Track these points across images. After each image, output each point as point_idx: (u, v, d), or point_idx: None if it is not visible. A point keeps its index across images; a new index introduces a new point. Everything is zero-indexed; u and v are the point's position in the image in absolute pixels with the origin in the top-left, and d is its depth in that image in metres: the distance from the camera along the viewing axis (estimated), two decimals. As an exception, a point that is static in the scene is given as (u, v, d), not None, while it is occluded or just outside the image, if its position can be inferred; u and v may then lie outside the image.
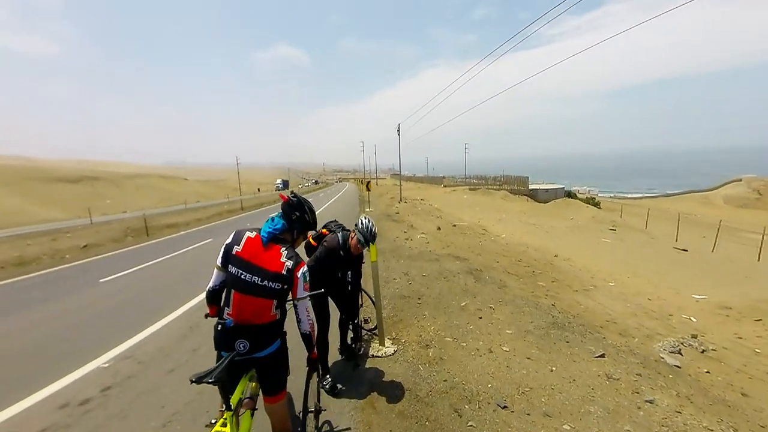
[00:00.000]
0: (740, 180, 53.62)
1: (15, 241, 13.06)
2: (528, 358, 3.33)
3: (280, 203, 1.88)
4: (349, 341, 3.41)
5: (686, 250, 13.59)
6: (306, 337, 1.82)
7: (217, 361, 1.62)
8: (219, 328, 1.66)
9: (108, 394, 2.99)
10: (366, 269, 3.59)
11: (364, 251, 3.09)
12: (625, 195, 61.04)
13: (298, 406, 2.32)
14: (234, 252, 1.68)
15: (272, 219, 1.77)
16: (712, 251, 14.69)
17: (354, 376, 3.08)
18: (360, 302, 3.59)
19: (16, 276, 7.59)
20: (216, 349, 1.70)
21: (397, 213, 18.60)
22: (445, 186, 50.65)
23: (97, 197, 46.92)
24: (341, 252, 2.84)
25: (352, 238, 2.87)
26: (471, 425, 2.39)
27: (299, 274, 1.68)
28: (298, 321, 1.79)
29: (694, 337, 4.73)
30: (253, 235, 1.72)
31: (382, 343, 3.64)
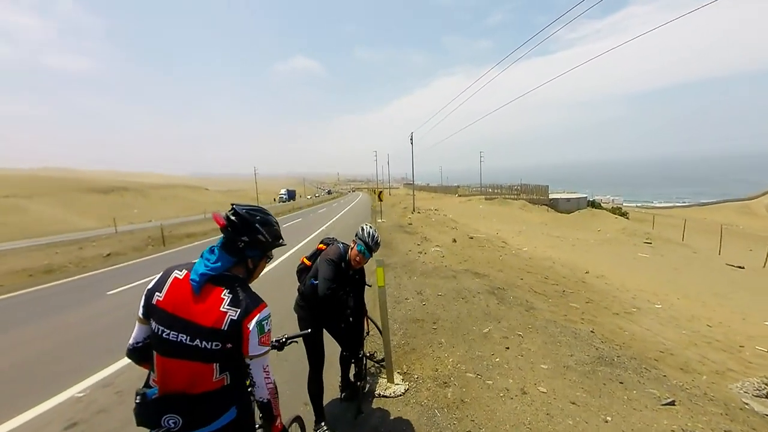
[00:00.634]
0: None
1: (47, 249, 13.41)
2: (573, 404, 2.68)
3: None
4: (351, 377, 2.88)
5: (742, 267, 12.18)
6: (264, 407, 1.25)
7: None
8: (138, 400, 1.18)
9: (72, 435, 2.57)
10: (370, 292, 3.07)
11: (365, 270, 2.62)
12: (653, 204, 57.90)
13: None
14: (155, 301, 1.19)
15: (211, 250, 1.23)
16: (764, 266, 13.17)
17: (355, 424, 2.53)
18: (366, 330, 3.08)
19: (42, 284, 7.91)
20: (138, 426, 1.21)
21: (410, 224, 18.08)
22: (459, 195, 49.57)
23: (125, 207, 48.71)
24: (342, 264, 2.36)
25: (352, 248, 2.43)
26: (507, 504, 1.79)
27: (252, 324, 1.16)
28: (252, 385, 1.24)
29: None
30: (182, 275, 1.20)
31: (390, 380, 3.08)
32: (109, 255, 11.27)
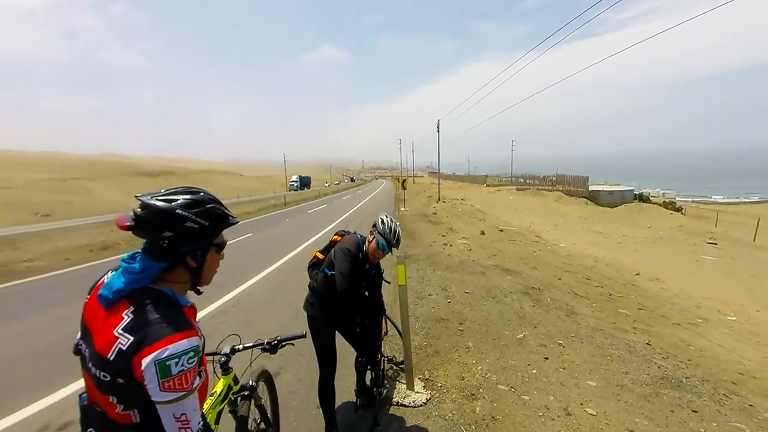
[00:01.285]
0: None
1: (104, 227, 14.62)
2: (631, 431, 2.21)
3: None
4: (368, 383, 2.60)
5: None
6: None
7: None
8: (79, 401, 0.96)
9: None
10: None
11: (381, 265, 2.36)
12: (711, 199, 51.87)
13: None
14: (85, 300, 0.94)
15: (132, 257, 0.91)
16: None
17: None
18: (384, 330, 2.78)
19: (99, 259, 8.64)
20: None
21: (435, 214, 17.42)
22: (488, 185, 47.55)
23: (170, 189, 55.73)
24: (360, 256, 2.10)
25: (369, 241, 2.17)
26: None
27: (146, 363, 0.79)
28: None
29: None
30: (108, 276, 0.91)
31: (410, 387, 2.76)
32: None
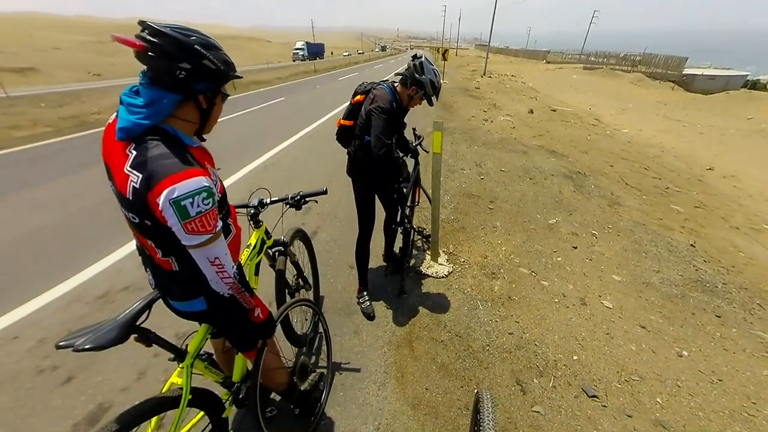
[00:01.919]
0: None
1: None
2: (642, 327, 2.28)
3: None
4: (397, 251, 2.72)
5: None
6: (226, 302, 1.00)
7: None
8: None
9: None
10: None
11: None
12: None
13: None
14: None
15: (134, 91, 0.84)
16: None
17: (395, 301, 2.49)
18: (416, 200, 2.71)
19: None
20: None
21: (477, 88, 15.35)
22: (547, 62, 39.57)
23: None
24: (394, 112, 1.91)
25: (409, 95, 1.99)
26: (536, 411, 1.70)
27: (161, 201, 0.78)
28: (203, 277, 0.94)
29: None
30: (113, 117, 0.87)
31: (434, 258, 2.89)
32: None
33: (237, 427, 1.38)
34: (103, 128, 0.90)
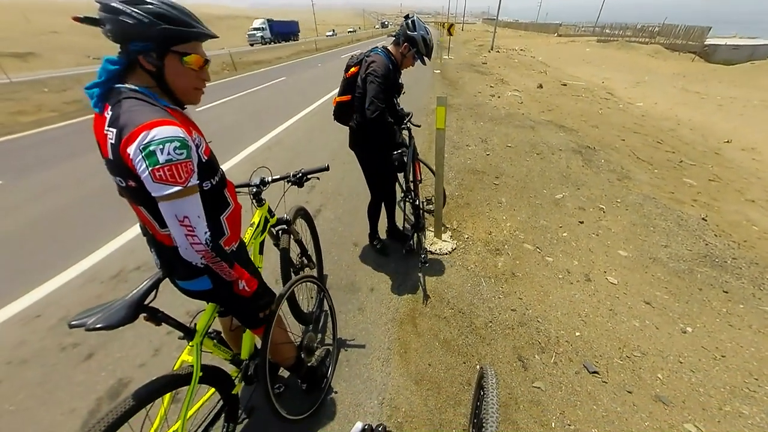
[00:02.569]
0: None
1: None
2: (647, 303, 2.28)
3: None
4: (408, 225, 2.84)
5: None
6: (201, 270, 1.01)
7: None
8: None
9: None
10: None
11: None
12: None
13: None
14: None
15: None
16: None
17: (401, 273, 2.52)
18: (418, 176, 2.69)
19: None
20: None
21: (484, 64, 14.77)
22: (559, 35, 37.54)
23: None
24: (390, 75, 1.97)
25: (402, 53, 2.03)
26: (537, 387, 1.74)
27: (132, 150, 0.78)
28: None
29: None
30: None
31: (437, 235, 2.89)
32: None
33: (246, 403, 1.45)
34: None
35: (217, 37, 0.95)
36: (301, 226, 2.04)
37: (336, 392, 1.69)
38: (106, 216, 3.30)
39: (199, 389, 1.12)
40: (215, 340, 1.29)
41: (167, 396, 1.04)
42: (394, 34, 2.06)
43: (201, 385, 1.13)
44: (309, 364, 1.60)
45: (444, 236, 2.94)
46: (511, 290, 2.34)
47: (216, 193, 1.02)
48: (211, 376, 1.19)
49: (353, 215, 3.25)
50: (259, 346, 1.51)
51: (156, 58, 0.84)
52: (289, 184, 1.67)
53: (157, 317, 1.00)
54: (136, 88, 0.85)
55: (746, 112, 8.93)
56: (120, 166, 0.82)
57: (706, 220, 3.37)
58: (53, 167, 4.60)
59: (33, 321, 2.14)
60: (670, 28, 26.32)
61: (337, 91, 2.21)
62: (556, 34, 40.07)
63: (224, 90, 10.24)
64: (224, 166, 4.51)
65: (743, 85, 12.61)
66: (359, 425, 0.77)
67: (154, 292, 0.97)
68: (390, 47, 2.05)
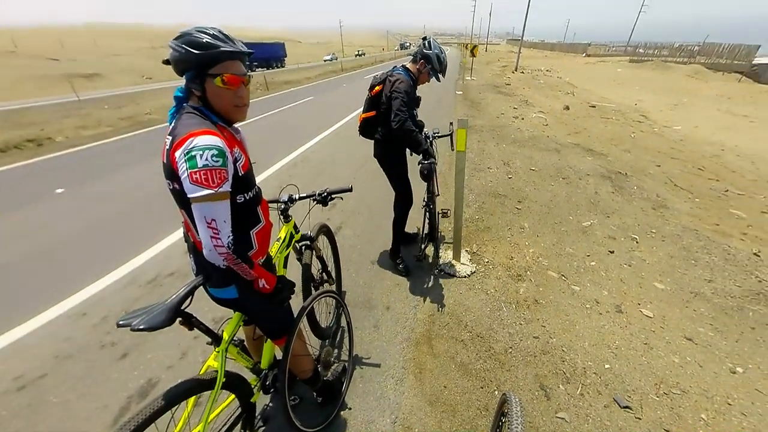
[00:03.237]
0: None
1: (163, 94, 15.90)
2: (689, 339, 2.11)
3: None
4: (424, 235, 2.85)
5: None
6: (256, 292, 1.11)
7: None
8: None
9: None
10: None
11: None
12: None
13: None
14: None
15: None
16: None
17: (418, 293, 2.51)
18: (436, 190, 2.73)
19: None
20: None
21: (508, 85, 14.82)
22: (588, 55, 37.21)
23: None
24: (412, 88, 2.21)
25: (419, 70, 2.26)
26: (561, 417, 1.64)
27: (179, 153, 0.88)
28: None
29: None
30: None
31: (456, 258, 2.86)
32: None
33: (263, 411, 1.48)
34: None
35: (251, 53, 1.03)
36: (323, 242, 2.11)
37: (350, 408, 1.68)
38: (147, 224, 3.58)
39: (221, 395, 1.17)
40: (239, 348, 1.34)
41: (192, 399, 1.08)
42: (412, 53, 2.32)
43: (222, 392, 1.17)
44: (325, 378, 1.61)
45: (463, 259, 2.91)
46: (534, 317, 2.25)
47: (249, 208, 1.10)
48: (233, 382, 1.23)
49: (372, 233, 3.30)
50: (279, 356, 1.55)
51: (198, 83, 0.95)
52: (315, 202, 1.73)
53: (191, 322, 1.05)
54: (196, 105, 0.98)
55: (801, 138, 8.27)
56: (170, 169, 0.93)
57: (758, 255, 3.09)
58: (105, 178, 5.09)
59: (80, 318, 2.32)
60: (712, 47, 25.34)
61: (359, 110, 2.39)
62: (584, 54, 39.80)
63: (255, 109, 10.88)
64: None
65: (798, 109, 11.74)
66: None
67: (190, 298, 1.02)
68: (408, 64, 2.28)
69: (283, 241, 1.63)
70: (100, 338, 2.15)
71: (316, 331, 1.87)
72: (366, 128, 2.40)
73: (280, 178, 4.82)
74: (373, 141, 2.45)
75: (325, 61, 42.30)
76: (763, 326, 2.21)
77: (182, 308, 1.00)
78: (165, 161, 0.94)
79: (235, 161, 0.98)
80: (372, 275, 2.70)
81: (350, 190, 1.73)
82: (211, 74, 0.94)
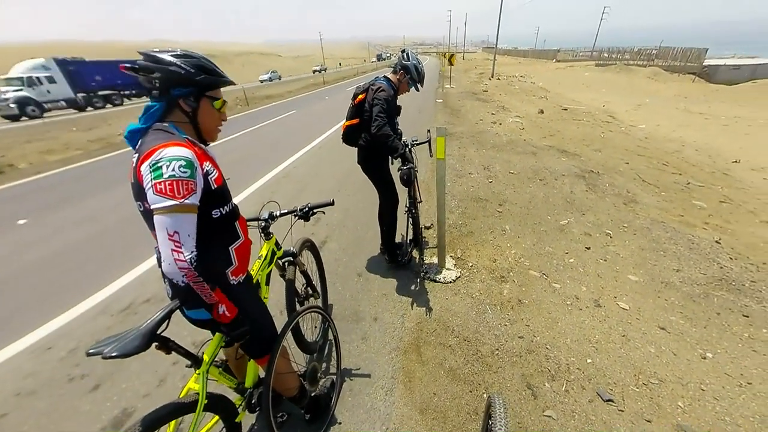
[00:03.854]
0: None
1: None
2: (662, 329, 2.20)
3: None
4: (408, 240, 2.92)
5: None
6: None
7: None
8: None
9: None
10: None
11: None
12: None
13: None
14: None
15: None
16: None
17: (405, 302, 2.52)
18: (417, 196, 2.77)
19: None
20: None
21: (485, 91, 15.34)
22: (558, 61, 39.41)
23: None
24: (392, 96, 2.35)
25: (399, 80, 2.41)
26: (548, 416, 1.66)
27: (144, 166, 0.88)
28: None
29: None
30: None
31: (441, 264, 2.89)
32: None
33: (249, 431, 1.43)
34: (129, 149, 1.03)
35: (236, 84, 1.14)
36: (307, 257, 2.09)
37: (339, 422, 1.65)
38: (118, 251, 3.42)
39: (204, 417, 1.13)
40: (221, 369, 1.30)
41: (172, 423, 1.05)
42: (392, 65, 2.44)
43: (205, 414, 1.13)
44: (312, 394, 1.58)
45: (448, 264, 2.94)
46: (518, 317, 2.30)
47: (226, 223, 1.09)
48: (216, 403, 1.20)
49: (358, 246, 3.29)
50: (262, 375, 1.51)
51: (193, 101, 1.01)
52: (296, 218, 1.73)
53: (168, 346, 1.01)
54: (166, 124, 0.99)
55: (752, 131, 8.96)
56: (138, 188, 0.91)
57: (719, 243, 3.29)
58: (73, 205, 4.86)
59: (44, 353, 2.18)
60: (667, 50, 27.32)
61: (342, 122, 2.45)
62: (555, 60, 41.85)
63: (235, 125, 10.66)
64: (235, 200, 4.70)
65: (747, 104, 12.75)
66: None
67: (166, 322, 0.99)
68: (389, 75, 2.43)
69: (265, 258, 1.61)
70: (68, 371, 2.03)
71: (302, 346, 1.84)
72: (349, 135, 2.48)
73: (262, 195, 4.75)
74: (355, 149, 2.54)
75: (314, 72, 49.19)
76: (727, 311, 2.34)
77: (158, 332, 0.97)
78: (132, 180, 0.93)
79: (207, 175, 0.98)
80: (359, 288, 2.68)
81: (332, 203, 1.74)
82: (209, 96, 1.03)
